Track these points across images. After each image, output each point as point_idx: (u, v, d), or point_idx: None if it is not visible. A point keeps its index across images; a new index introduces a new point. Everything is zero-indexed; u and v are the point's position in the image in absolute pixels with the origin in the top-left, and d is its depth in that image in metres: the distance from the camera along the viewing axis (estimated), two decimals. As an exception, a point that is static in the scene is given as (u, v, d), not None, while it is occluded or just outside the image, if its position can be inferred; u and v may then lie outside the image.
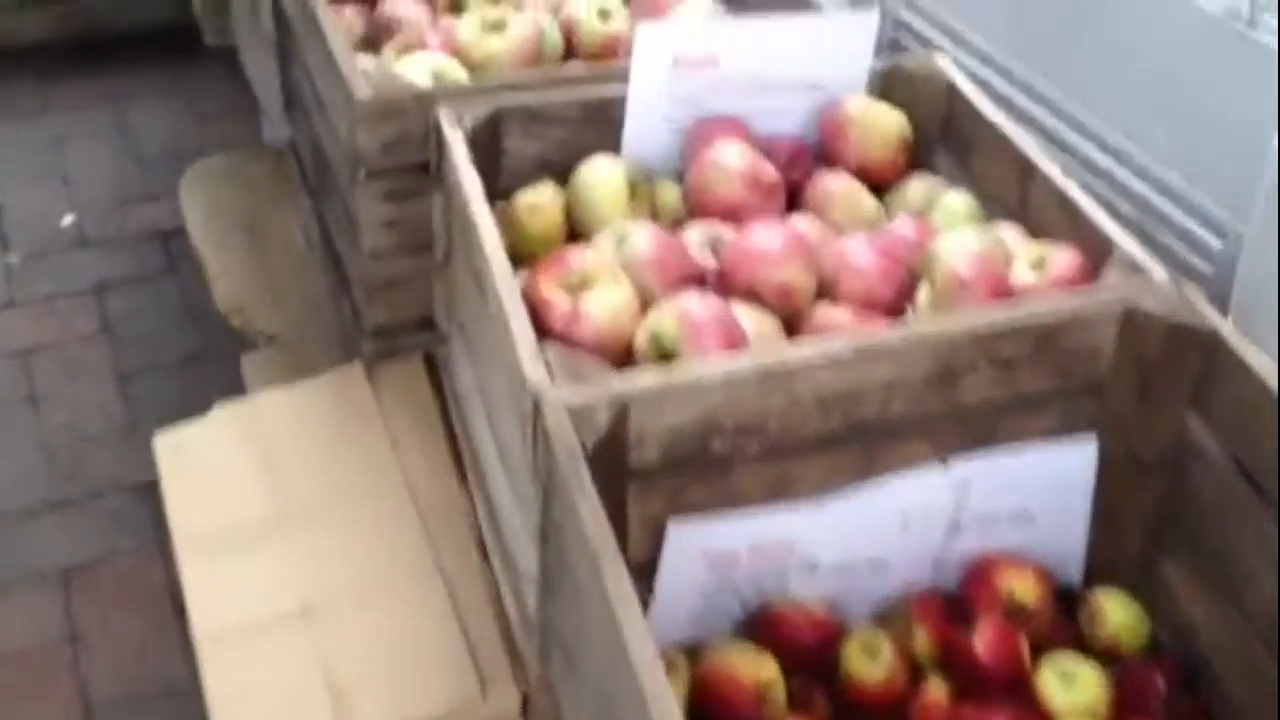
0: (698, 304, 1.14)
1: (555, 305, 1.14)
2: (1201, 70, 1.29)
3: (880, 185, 1.44)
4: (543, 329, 1.13)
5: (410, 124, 1.40)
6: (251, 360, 1.68)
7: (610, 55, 1.67)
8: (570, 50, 1.67)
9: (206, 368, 2.33)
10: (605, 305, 1.14)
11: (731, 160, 1.35)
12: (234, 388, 1.62)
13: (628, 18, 1.69)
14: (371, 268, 1.49)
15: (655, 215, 1.37)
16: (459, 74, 1.48)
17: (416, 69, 1.45)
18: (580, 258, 1.19)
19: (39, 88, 3.20)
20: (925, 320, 1.15)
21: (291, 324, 1.75)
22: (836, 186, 1.40)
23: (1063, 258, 1.21)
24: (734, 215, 1.33)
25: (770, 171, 1.36)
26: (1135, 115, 1.39)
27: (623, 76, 1.39)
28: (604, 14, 1.68)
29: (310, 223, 1.80)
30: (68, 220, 2.78)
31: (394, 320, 1.53)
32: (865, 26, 1.46)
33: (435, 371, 1.53)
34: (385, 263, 1.49)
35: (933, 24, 1.67)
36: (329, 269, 1.71)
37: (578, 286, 1.16)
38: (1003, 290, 1.18)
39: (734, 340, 1.12)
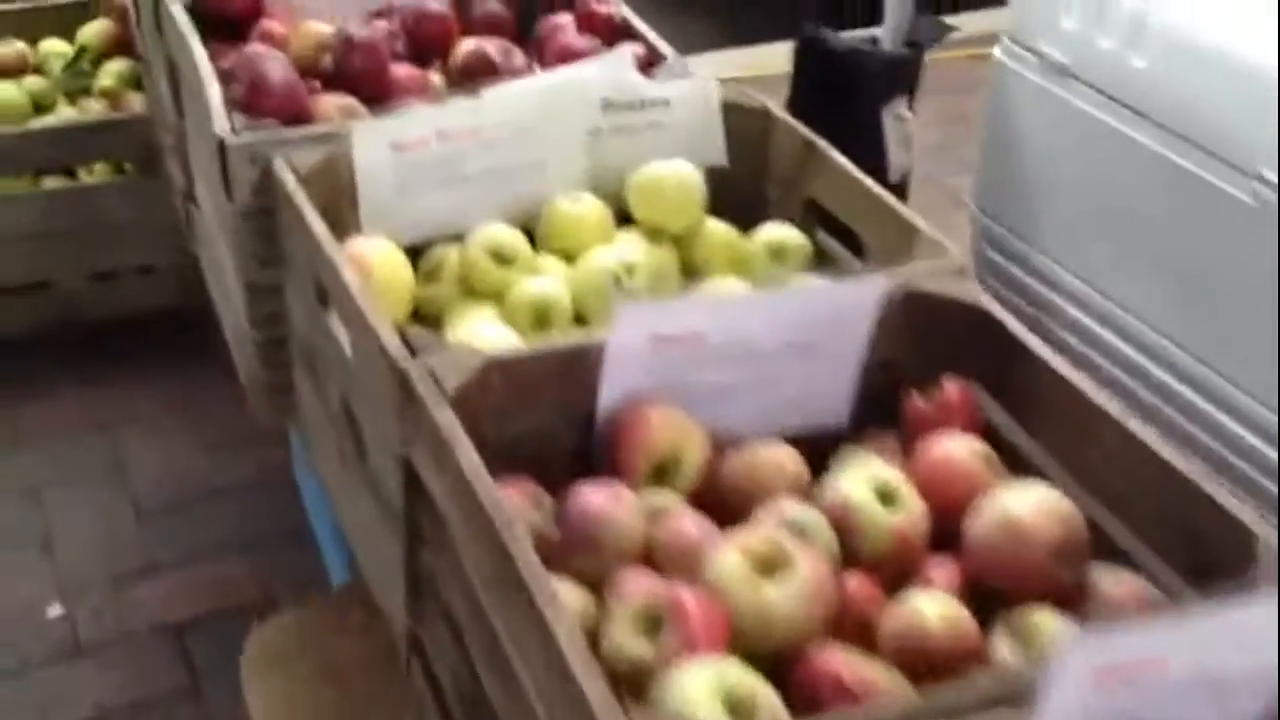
0: None
1: None
2: None
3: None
4: None
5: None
6: None
7: (904, 562, 1.16)
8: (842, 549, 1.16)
9: None
10: None
11: None
12: None
13: (915, 497, 1.19)
14: None
15: None
16: (763, 695, 0.94)
17: (703, 688, 0.91)
18: None
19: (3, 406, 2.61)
20: None
21: None
22: None
23: None
24: None
25: None
26: None
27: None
28: (886, 496, 1.17)
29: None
30: (54, 612, 2.17)
31: None
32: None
33: None
34: None
35: None
36: None
37: None
38: None
39: None
